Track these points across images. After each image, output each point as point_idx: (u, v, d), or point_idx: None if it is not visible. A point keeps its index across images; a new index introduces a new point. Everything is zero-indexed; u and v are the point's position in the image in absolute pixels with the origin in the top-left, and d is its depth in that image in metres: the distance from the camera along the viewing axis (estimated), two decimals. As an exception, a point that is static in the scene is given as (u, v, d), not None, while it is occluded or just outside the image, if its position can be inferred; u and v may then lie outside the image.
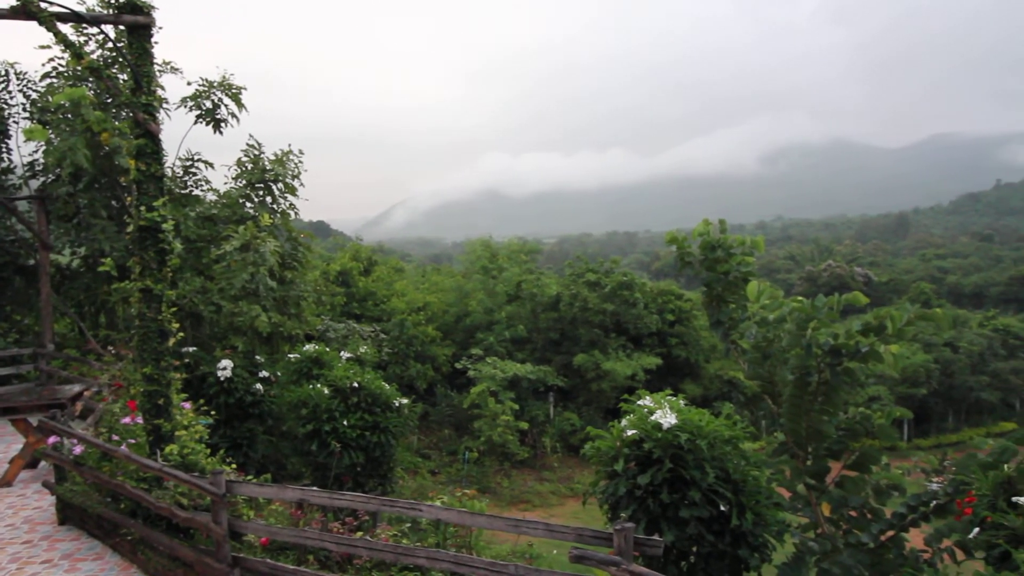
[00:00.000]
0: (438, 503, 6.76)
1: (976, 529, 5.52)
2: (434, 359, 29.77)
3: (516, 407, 26.43)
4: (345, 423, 11.32)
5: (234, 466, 7.68)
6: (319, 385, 11.90)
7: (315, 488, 5.88)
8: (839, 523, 7.37)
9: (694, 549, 6.40)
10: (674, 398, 6.95)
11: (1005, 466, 5.79)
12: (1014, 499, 5.33)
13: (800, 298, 6.95)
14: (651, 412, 6.55)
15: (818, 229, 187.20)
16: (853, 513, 7.44)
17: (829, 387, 6.88)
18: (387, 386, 12.53)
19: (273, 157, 16.08)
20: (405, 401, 12.73)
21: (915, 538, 7.09)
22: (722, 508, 6.16)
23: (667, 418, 6.28)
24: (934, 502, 6.58)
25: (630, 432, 6.48)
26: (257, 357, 13.36)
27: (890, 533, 7.04)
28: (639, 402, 6.93)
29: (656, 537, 4.35)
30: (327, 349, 14.26)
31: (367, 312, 31.07)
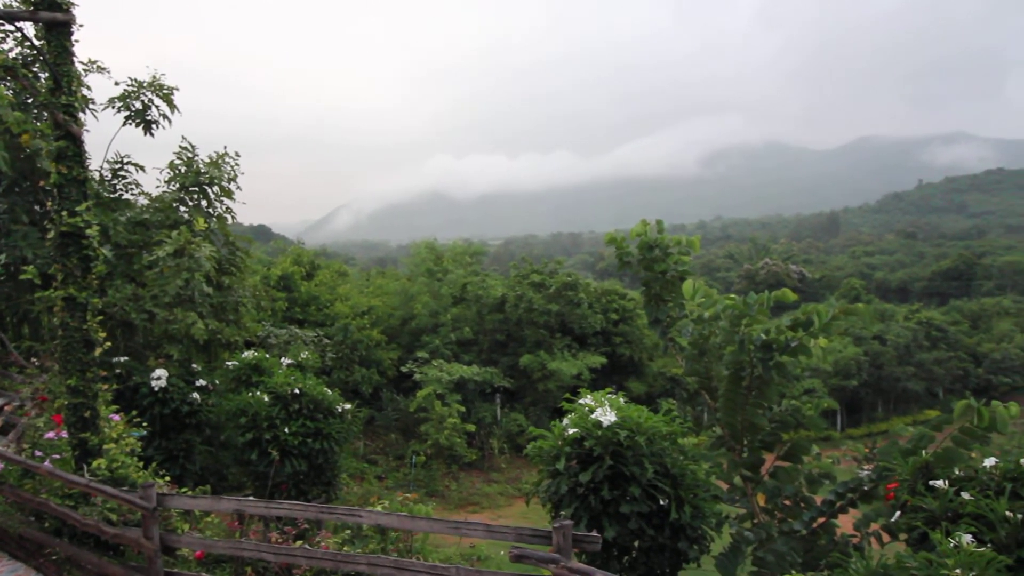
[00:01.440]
0: (379, 508, 6.69)
1: (898, 513, 5.78)
2: (379, 363, 29.45)
3: (463, 409, 26.39)
4: (286, 431, 11.08)
5: (167, 479, 7.43)
6: (259, 393, 11.62)
7: (252, 498, 5.75)
8: (774, 512, 7.63)
9: (635, 543, 6.52)
10: (614, 396, 7.07)
11: (923, 452, 6.10)
12: (931, 483, 5.61)
13: (733, 296, 7.17)
14: (592, 411, 6.65)
15: (755, 228, 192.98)
16: (787, 502, 7.72)
17: (762, 381, 7.12)
18: (330, 392, 12.33)
19: (208, 159, 15.63)
20: (348, 406, 12.55)
21: (846, 524, 7.40)
22: (661, 502, 6.29)
23: (607, 416, 6.37)
24: (861, 488, 6.88)
25: (571, 431, 6.56)
26: (194, 365, 12.95)
27: (821, 520, 7.33)
28: (580, 401, 7.02)
29: (594, 533, 4.42)
30: (267, 356, 13.93)
31: (310, 317, 30.50)
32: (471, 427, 26.38)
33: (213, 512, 6.87)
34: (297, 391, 11.57)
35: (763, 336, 6.80)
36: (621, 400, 6.95)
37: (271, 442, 10.97)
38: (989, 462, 5.64)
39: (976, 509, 5.05)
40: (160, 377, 11.64)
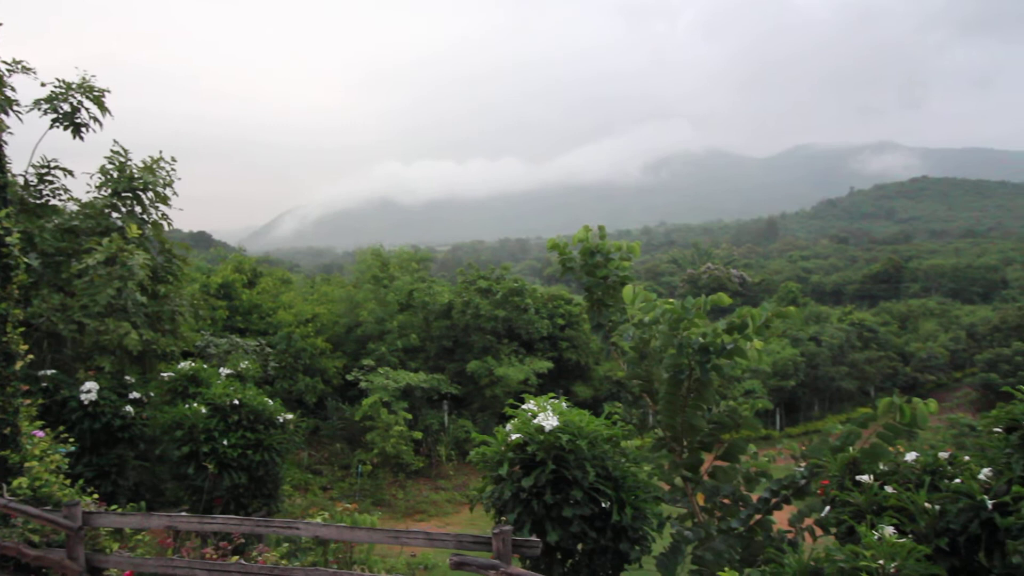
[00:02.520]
0: (319, 519, 6.57)
1: (827, 508, 6.01)
2: (324, 372, 28.94)
3: (410, 417, 26.15)
4: (225, 443, 10.79)
5: (96, 496, 7.13)
6: (196, 404, 11.28)
7: (184, 513, 5.57)
8: (713, 511, 7.82)
9: (578, 546, 6.58)
10: (556, 401, 7.13)
11: (851, 448, 6.36)
12: (858, 478, 5.85)
13: (671, 300, 7.34)
14: (534, 416, 6.69)
15: (698, 234, 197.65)
16: (725, 501, 7.92)
17: (700, 383, 7.30)
18: (271, 402, 12.06)
19: (142, 164, 15.11)
20: (291, 416, 12.30)
21: (783, 520, 7.64)
22: (603, 505, 6.37)
23: (549, 420, 6.43)
24: (794, 485, 7.12)
25: (514, 436, 6.59)
26: (127, 378, 12.48)
27: (758, 517, 7.54)
28: (523, 406, 7.06)
29: (534, 538, 4.45)
30: (205, 366, 13.54)
31: (252, 326, 29.77)
32: (418, 435, 26.15)
33: (144, 529, 6.63)
34: (237, 402, 11.28)
35: (700, 339, 6.97)
36: (563, 405, 7.03)
37: (209, 455, 10.66)
38: (911, 457, 5.92)
39: (898, 502, 5.28)
40: (90, 390, 11.17)
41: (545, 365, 30.86)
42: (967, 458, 5.78)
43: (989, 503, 4.86)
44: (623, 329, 7.97)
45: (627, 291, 7.54)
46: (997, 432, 5.44)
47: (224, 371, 13.79)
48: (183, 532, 6.55)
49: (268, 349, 26.65)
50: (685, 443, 7.69)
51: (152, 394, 12.61)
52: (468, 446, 27.81)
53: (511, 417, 7.18)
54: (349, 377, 28.70)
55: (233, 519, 5.18)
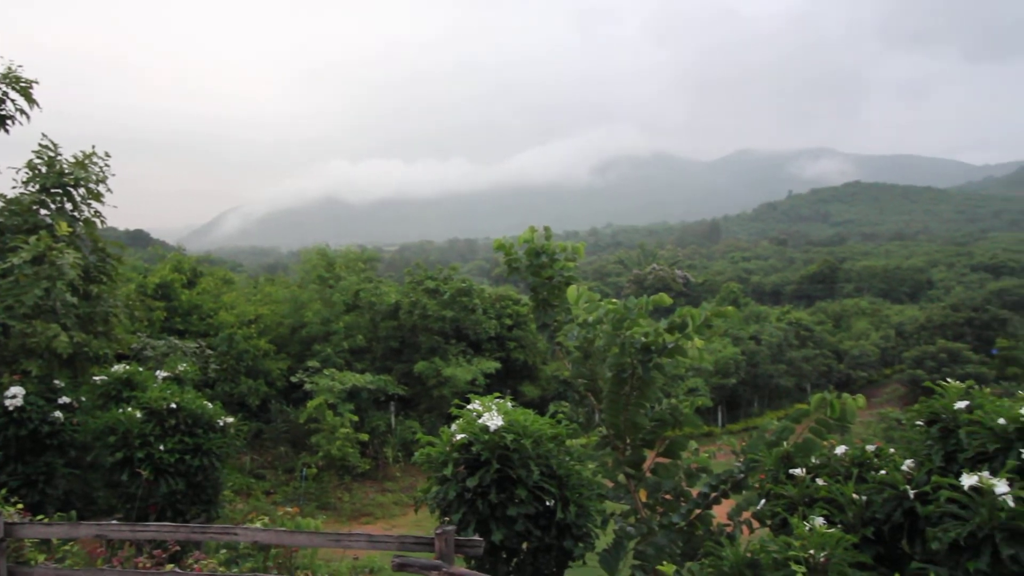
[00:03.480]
0: (259, 524, 6.44)
1: (763, 501, 6.21)
2: (267, 374, 28.30)
3: (356, 419, 25.82)
4: (161, 448, 10.45)
5: (20, 506, 6.81)
6: (130, 409, 10.88)
7: (115, 522, 5.39)
8: (655, 507, 7.98)
9: (523, 545, 6.63)
10: (502, 400, 7.17)
11: (785, 443, 6.59)
12: (791, 471, 6.07)
13: (615, 300, 7.46)
14: (479, 416, 6.71)
15: (643, 235, 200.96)
16: (667, 496, 8.09)
17: (642, 382, 7.44)
18: (210, 405, 11.73)
19: (73, 159, 14.50)
20: (231, 420, 11.99)
21: (723, 515, 7.85)
22: (548, 503, 6.43)
23: (494, 420, 6.46)
24: (732, 480, 7.33)
25: (459, 436, 6.59)
26: (56, 382, 11.95)
27: (698, 512, 7.74)
28: (469, 407, 7.07)
29: (477, 537, 4.47)
30: (140, 369, 13.07)
31: (192, 327, 28.90)
32: (364, 436, 25.84)
33: (73, 540, 6.38)
34: (174, 405, 10.94)
35: (642, 339, 7.11)
36: (509, 404, 7.06)
37: (144, 461, 10.30)
38: (840, 450, 6.17)
39: (828, 493, 5.50)
40: (15, 395, 10.67)
41: (493, 365, 30.89)
42: (892, 451, 6.07)
43: (911, 493, 5.11)
44: (568, 329, 8.07)
45: (571, 291, 7.63)
46: (919, 425, 5.72)
47: (161, 374, 13.33)
48: (115, 541, 6.32)
49: (209, 351, 25.91)
50: (628, 441, 7.83)
51: (83, 399, 12.11)
52: (415, 447, 27.46)
53: (458, 417, 7.18)
54: (294, 379, 28.15)
55: (167, 526, 5.03)
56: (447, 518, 6.25)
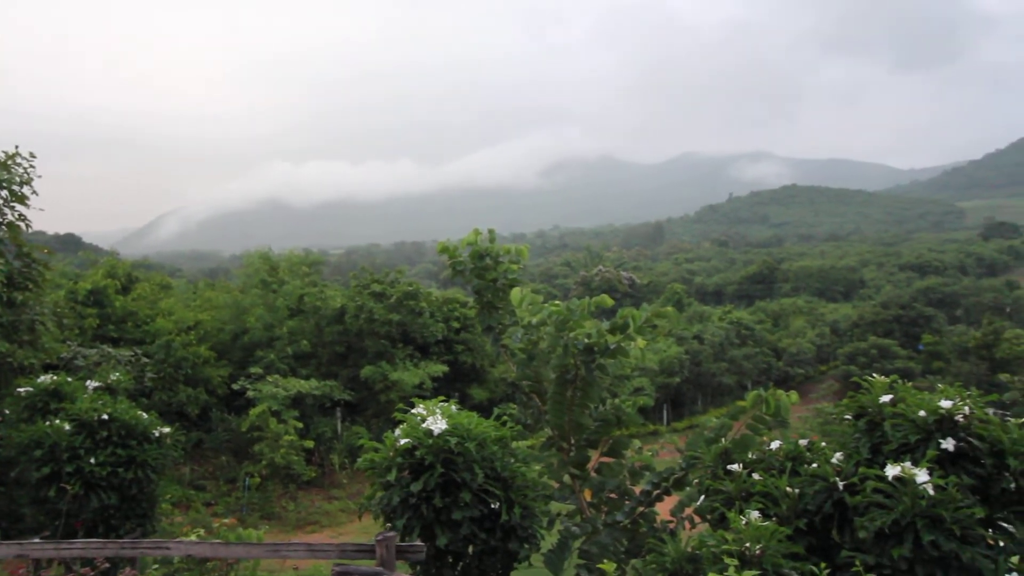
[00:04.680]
0: (194, 537, 6.25)
1: (703, 497, 6.36)
2: (208, 381, 27.46)
3: (301, 426, 25.27)
4: (92, 461, 10.02)
5: (-64, 526, 6.43)
6: (58, 421, 10.40)
7: (37, 540, 5.15)
8: (600, 506, 8.08)
9: (469, 548, 6.62)
10: (446, 404, 7.14)
11: (723, 440, 6.76)
12: (729, 467, 6.23)
13: (558, 302, 7.53)
14: (423, 420, 6.67)
15: (590, 237, 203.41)
16: (612, 495, 8.20)
17: (586, 382, 7.52)
18: (145, 415, 11.31)
19: (-7, 160, 13.82)
20: (168, 430, 11.59)
21: (667, 512, 7.99)
22: (493, 506, 6.44)
23: (437, 424, 6.43)
24: (673, 477, 7.48)
25: (403, 441, 6.54)
26: (-24, 394, 11.36)
27: (642, 509, 7.87)
28: (413, 411, 7.03)
29: (418, 543, 4.44)
30: (69, 379, 12.52)
31: (127, 335, 27.84)
32: (309, 443, 25.31)
33: (-5, 560, 6.06)
34: (105, 417, 10.50)
35: (585, 340, 7.19)
36: (453, 408, 7.04)
37: (73, 475, 9.86)
38: (775, 445, 6.36)
39: (764, 487, 5.66)
40: (-70, 409, 10.08)
41: (440, 369, 30.71)
42: (824, 444, 6.29)
43: (840, 484, 5.31)
44: (512, 331, 8.10)
45: (515, 293, 7.66)
46: (848, 419, 5.95)
47: (92, 384, 12.80)
48: (42, 560, 6.03)
49: (145, 359, 25.00)
50: (573, 441, 7.90)
51: (7, 411, 11.54)
52: (362, 453, 27.14)
53: (402, 422, 7.12)
54: (235, 386, 27.39)
55: (95, 542, 4.82)
56: (388, 524, 6.19)
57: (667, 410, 42.74)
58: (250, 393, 26.09)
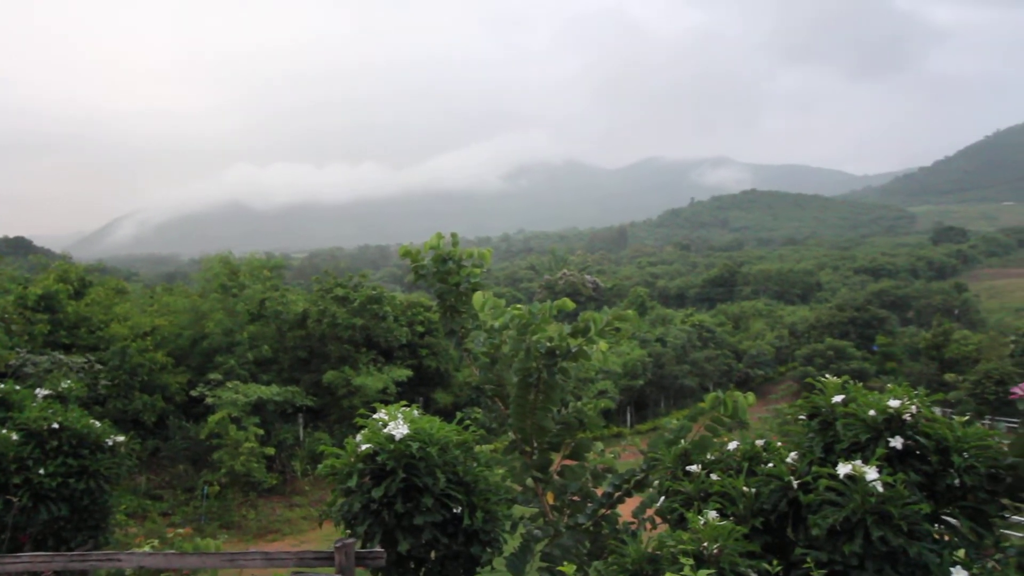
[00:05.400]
0: (147, 548, 6.10)
1: (662, 498, 6.43)
2: (165, 388, 26.87)
3: (262, 432, 24.90)
4: (41, 472, 9.70)
5: None
6: (5, 431, 10.05)
7: (-19, 554, 4.96)
8: (563, 509, 8.12)
9: (431, 554, 6.58)
10: (408, 409, 7.10)
11: (683, 441, 6.86)
12: (688, 468, 6.32)
13: (520, 306, 7.55)
14: (385, 425, 6.62)
15: (554, 240, 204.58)
16: (575, 498, 8.25)
17: (548, 386, 7.55)
18: (98, 424, 10.99)
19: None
20: (122, 439, 11.28)
21: (629, 514, 8.07)
22: (455, 510, 6.42)
23: (399, 429, 6.39)
24: (634, 479, 7.55)
25: (364, 447, 6.48)
26: (-83, 404, 10.91)
27: (605, 511, 7.93)
28: (374, 416, 6.97)
29: (378, 549, 4.41)
30: (17, 387, 12.11)
31: (80, 341, 27.10)
32: (270, 450, 24.94)
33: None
34: (56, 426, 10.18)
35: (547, 343, 7.22)
36: (415, 412, 7.01)
37: (22, 486, 9.53)
38: (732, 445, 6.47)
39: (721, 487, 5.76)
40: None
41: (404, 373, 30.58)
42: (780, 444, 6.42)
43: (795, 483, 5.43)
44: (475, 335, 8.09)
45: (477, 297, 7.65)
46: (802, 419, 6.09)
47: (42, 392, 12.40)
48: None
49: (99, 366, 24.40)
50: (535, 444, 7.93)
51: (-50, 422, 11.10)
52: (324, 459, 26.82)
53: (364, 427, 7.05)
54: (194, 393, 26.85)
55: (41, 556, 4.67)
56: (359, 529, 6.13)
57: (630, 412, 43.16)
58: (209, 400, 25.61)
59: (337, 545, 4.19)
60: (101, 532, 10.68)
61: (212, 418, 23.97)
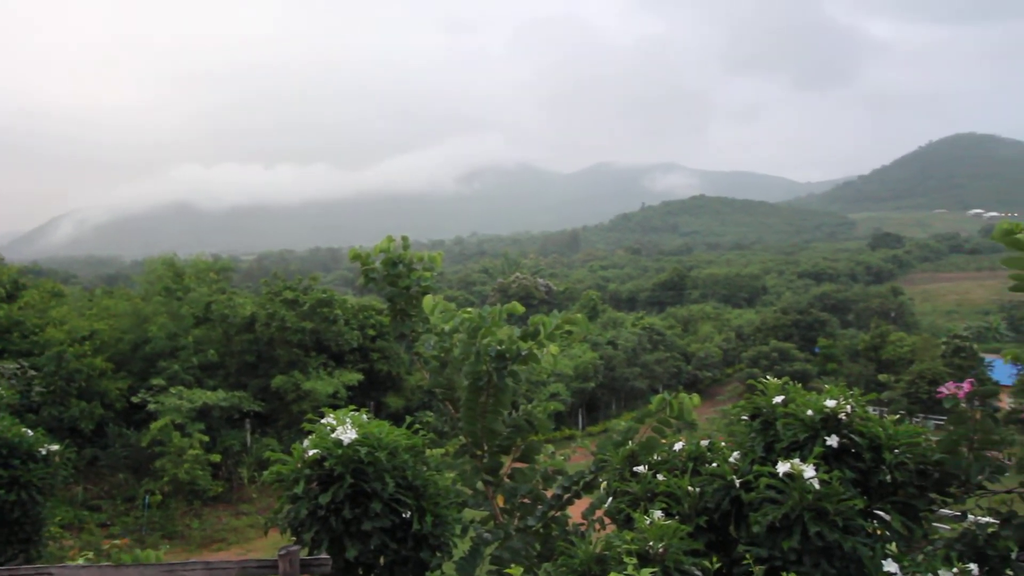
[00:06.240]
0: (81, 560, 5.88)
1: (610, 499, 6.52)
2: (104, 395, 25.94)
3: (207, 439, 24.28)
4: (-33, 484, 9.24)
5: None
6: (-72, 441, 9.54)
7: None
8: (513, 512, 8.15)
9: (380, 560, 6.52)
10: (356, 413, 7.02)
11: (630, 442, 6.97)
12: (636, 469, 6.43)
13: (470, 309, 7.56)
14: (333, 429, 6.54)
15: (507, 244, 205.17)
16: (525, 500, 8.29)
17: (498, 389, 7.58)
18: (31, 432, 10.53)
19: None
20: (56, 447, 10.83)
21: (580, 515, 8.14)
22: (404, 515, 6.37)
23: (347, 434, 6.31)
24: (583, 480, 7.63)
25: (311, 452, 6.38)
26: None
27: (555, 513, 7.99)
28: (322, 420, 6.87)
29: (324, 556, 4.36)
30: (-58, 395, 11.54)
31: (12, 346, 25.97)
32: (216, 457, 24.33)
33: None
34: (-17, 435, 9.72)
35: (497, 347, 7.24)
36: (364, 417, 6.93)
37: (-55, 500, 9.06)
38: (678, 446, 6.61)
39: (667, 487, 5.87)
40: None
41: (355, 377, 30.22)
42: (723, 444, 6.58)
43: (737, 482, 5.58)
44: (425, 339, 8.06)
45: (426, 301, 7.63)
46: (744, 420, 6.25)
47: (-31, 400, 11.84)
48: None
49: (32, 372, 23.46)
50: (486, 448, 7.94)
51: None
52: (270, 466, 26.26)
53: (312, 433, 6.94)
54: (135, 399, 25.99)
55: (-34, 571, 4.45)
56: (305, 536, 6.01)
57: (582, 414, 43.55)
58: (151, 406, 24.84)
59: (281, 553, 4.12)
60: (33, 546, 10.22)
61: (154, 425, 23.26)
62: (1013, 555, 4.59)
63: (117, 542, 7.43)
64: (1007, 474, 5.05)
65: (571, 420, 41.60)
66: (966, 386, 4.96)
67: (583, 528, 7.79)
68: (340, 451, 6.27)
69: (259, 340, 30.75)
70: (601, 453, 7.42)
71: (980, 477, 4.88)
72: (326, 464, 6.31)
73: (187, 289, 30.99)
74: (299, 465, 6.47)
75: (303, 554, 5.35)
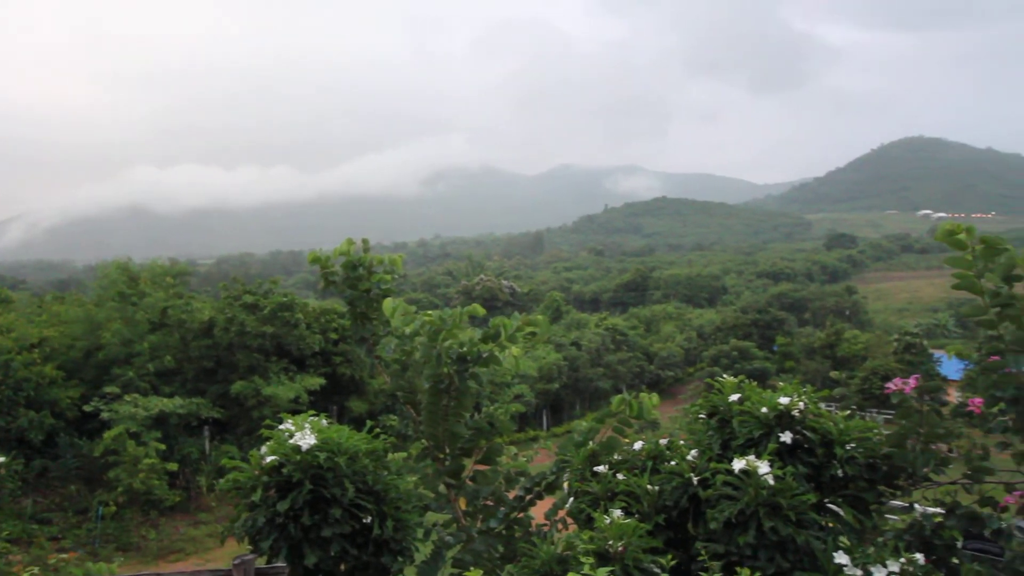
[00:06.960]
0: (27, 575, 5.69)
1: (572, 499, 6.56)
2: (54, 403, 25.12)
3: (163, 447, 23.68)
4: (-93, 499, 8.88)
5: None
6: None
7: None
8: (475, 514, 8.13)
9: (341, 566, 6.45)
10: (316, 418, 6.93)
11: (591, 442, 7.02)
12: (596, 468, 6.47)
13: (430, 312, 7.52)
14: (292, 435, 6.44)
15: (471, 246, 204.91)
16: (488, 502, 8.28)
17: (459, 391, 7.56)
18: (-26, 444, 10.18)
19: None
20: (3, 459, 10.48)
21: (543, 516, 8.16)
22: (365, 520, 6.31)
23: (306, 439, 6.22)
24: (545, 481, 7.66)
25: (269, 459, 6.27)
26: None
27: (516, 514, 7.99)
28: (280, 426, 6.76)
29: (280, 564, 4.29)
30: None
31: (-46, 354, 24.94)
32: (173, 466, 23.73)
33: None
34: (-76, 448, 9.36)
35: (458, 349, 7.23)
36: (323, 422, 6.85)
37: None
38: (638, 445, 6.68)
39: (627, 487, 5.93)
40: None
41: (317, 381, 29.82)
42: (682, 442, 6.68)
43: (695, 479, 5.66)
44: (386, 342, 8.00)
45: (387, 304, 7.56)
46: (702, 418, 6.35)
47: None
48: None
49: (-24, 381, 22.56)
50: (447, 451, 7.91)
51: None
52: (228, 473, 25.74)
53: (271, 439, 6.83)
54: (87, 408, 25.22)
55: (-99, 590, 4.26)
56: (263, 544, 5.90)
57: (547, 415, 43.71)
58: (104, 414, 24.15)
59: (236, 562, 4.04)
60: (-23, 561, 9.86)
61: (108, 434, 22.61)
62: (959, 544, 4.75)
63: (65, 556, 7.19)
64: (952, 466, 5.22)
65: (536, 421, 41.70)
66: (912, 381, 5.12)
67: (546, 529, 7.82)
68: (299, 457, 6.18)
69: (218, 345, 30.13)
70: (563, 453, 7.45)
71: (926, 469, 5.03)
72: (284, 471, 6.21)
73: (142, 294, 30.21)
74: (257, 472, 6.36)
75: (261, 562, 5.26)
